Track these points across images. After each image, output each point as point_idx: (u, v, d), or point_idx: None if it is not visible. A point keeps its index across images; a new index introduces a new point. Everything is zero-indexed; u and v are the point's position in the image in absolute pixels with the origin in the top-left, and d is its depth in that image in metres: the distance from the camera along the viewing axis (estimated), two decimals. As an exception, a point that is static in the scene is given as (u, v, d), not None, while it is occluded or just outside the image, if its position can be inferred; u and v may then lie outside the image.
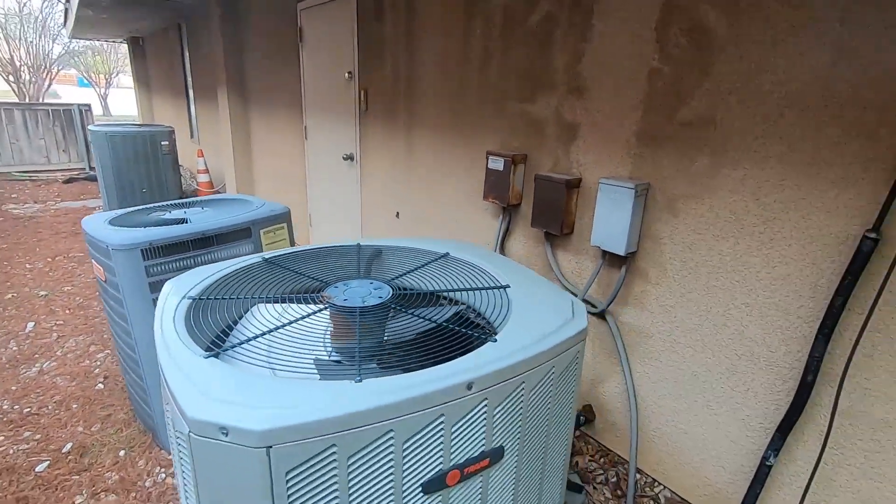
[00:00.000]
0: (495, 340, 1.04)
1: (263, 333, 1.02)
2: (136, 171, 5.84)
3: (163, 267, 1.92)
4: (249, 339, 1.00)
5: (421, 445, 0.89)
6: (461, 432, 0.94)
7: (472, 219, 2.72)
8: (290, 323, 1.07)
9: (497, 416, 0.99)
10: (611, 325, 2.06)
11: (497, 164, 2.35)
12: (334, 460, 0.82)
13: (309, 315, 1.11)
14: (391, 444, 0.86)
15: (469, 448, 0.96)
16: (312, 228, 4.66)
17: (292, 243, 2.36)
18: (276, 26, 4.55)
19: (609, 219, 1.91)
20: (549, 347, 1.04)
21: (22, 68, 19.79)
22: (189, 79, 7.89)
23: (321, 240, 4.46)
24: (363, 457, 0.84)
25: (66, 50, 22.89)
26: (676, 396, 1.90)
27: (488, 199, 2.45)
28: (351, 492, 0.85)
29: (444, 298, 1.36)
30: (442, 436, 0.91)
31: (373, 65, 3.30)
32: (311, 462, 0.80)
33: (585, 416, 2.25)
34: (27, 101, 19.13)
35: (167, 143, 6.00)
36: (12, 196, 6.87)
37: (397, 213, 3.36)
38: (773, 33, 1.46)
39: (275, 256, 1.39)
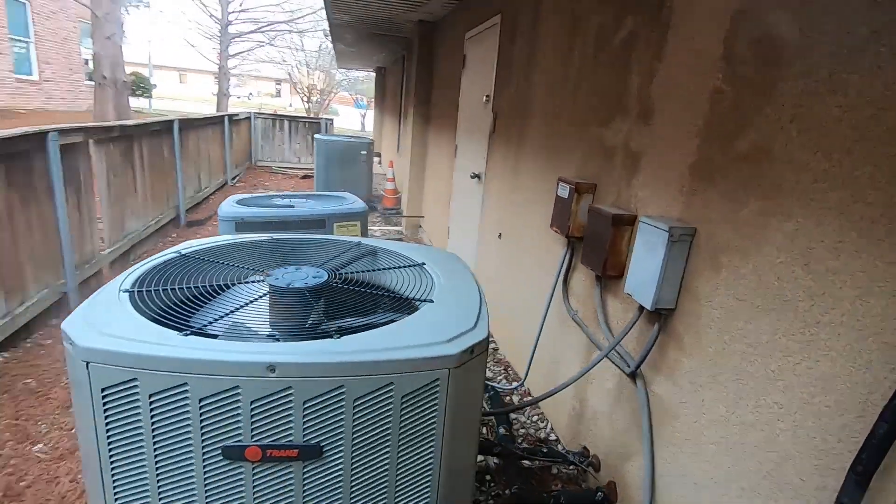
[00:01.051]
0: (336, 337, 1.04)
1: (232, 311, 1.22)
2: (338, 172, 7.05)
3: (248, 239, 2.36)
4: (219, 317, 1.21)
5: (217, 408, 0.96)
6: (261, 412, 0.97)
7: (548, 247, 2.56)
8: (248, 304, 1.26)
9: (309, 410, 0.98)
10: (639, 393, 1.72)
11: (564, 191, 2.19)
12: (136, 393, 0.95)
13: (257, 297, 1.28)
14: (186, 397, 0.95)
15: (273, 432, 0.98)
16: (449, 241, 4.93)
17: (364, 240, 2.60)
18: (452, 57, 5.00)
19: (642, 264, 1.62)
20: (387, 360, 0.99)
21: (314, 91, 25.64)
22: (402, 102, 9.17)
23: (452, 250, 4.69)
24: (162, 399, 0.95)
25: (346, 77, 28.83)
26: (693, 501, 1.48)
27: (553, 227, 2.29)
28: (155, 427, 0.97)
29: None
30: (239, 408, 0.96)
31: (503, 88, 3.38)
32: (120, 388, 0.95)
33: (606, 495, 1.90)
34: (311, 116, 24.77)
35: (365, 152, 7.10)
36: (264, 183, 9.02)
37: (500, 234, 3.35)
38: (849, 40, 1.07)
39: (193, 251, 1.58)
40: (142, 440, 0.98)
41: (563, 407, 2.37)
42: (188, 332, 1.00)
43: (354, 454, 1.03)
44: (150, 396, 0.95)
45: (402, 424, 1.04)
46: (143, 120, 5.24)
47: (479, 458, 2.24)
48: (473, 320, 1.17)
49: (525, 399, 2.71)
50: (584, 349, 2.19)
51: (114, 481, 1.01)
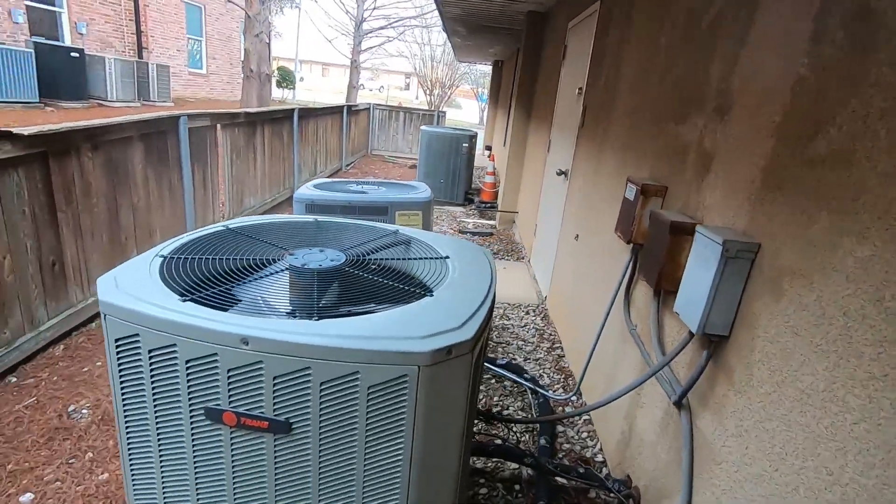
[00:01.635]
0: (312, 318, 1.05)
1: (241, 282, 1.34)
2: (441, 163, 7.20)
3: (316, 220, 2.51)
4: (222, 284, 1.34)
5: (200, 372, 1.03)
6: (238, 379, 1.02)
7: (615, 253, 2.35)
8: (259, 278, 1.36)
9: (279, 386, 1.01)
10: (683, 426, 1.51)
11: (630, 192, 1.99)
12: (139, 347, 1.06)
13: (270, 273, 1.37)
14: (175, 357, 1.04)
15: (247, 401, 1.03)
16: (535, 240, 4.78)
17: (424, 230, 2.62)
18: (555, 48, 4.80)
19: (693, 281, 1.41)
20: (352, 348, 0.98)
21: (436, 85, 26.41)
22: (511, 95, 9.04)
23: (538, 251, 4.55)
24: (159, 356, 1.05)
25: (469, 70, 29.22)
26: (722, 564, 1.26)
27: (617, 232, 2.09)
28: (154, 380, 1.08)
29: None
30: (217, 373, 1.03)
31: (594, 80, 3.16)
32: (127, 340, 1.07)
33: (639, 532, 1.71)
34: (428, 108, 25.55)
35: (467, 145, 7.14)
36: (375, 171, 9.53)
37: (577, 235, 3.16)
38: (966, 11, 0.81)
39: (239, 227, 1.67)
40: (143, 391, 1.09)
41: (614, 428, 2.17)
42: (186, 299, 1.09)
43: (322, 436, 1.05)
44: (150, 352, 1.06)
45: (370, 415, 1.03)
46: (266, 108, 5.82)
47: (514, 466, 2.15)
48: (462, 320, 1.11)
49: (577, 423, 2.54)
50: (640, 368, 1.99)
51: (126, 428, 1.14)
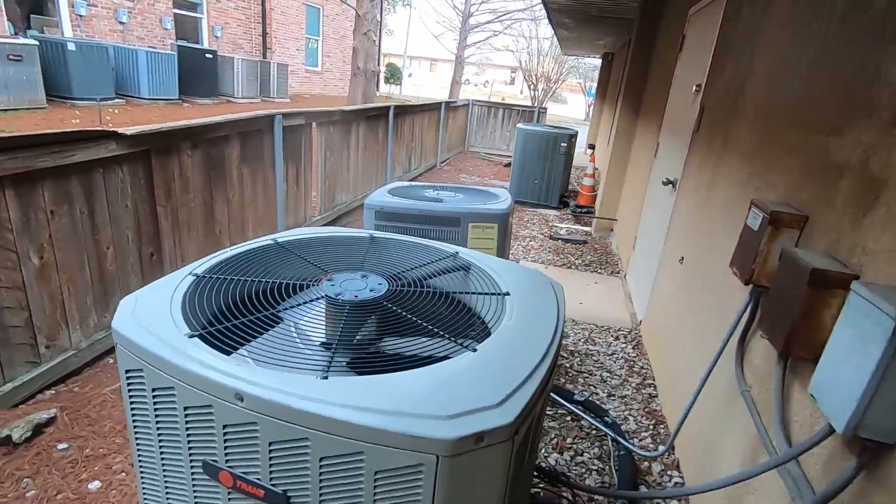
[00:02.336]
0: (323, 373, 0.87)
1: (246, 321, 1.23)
2: (536, 164, 6.85)
3: (385, 227, 2.38)
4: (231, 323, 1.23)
5: (198, 421, 0.91)
6: (233, 438, 0.88)
7: (730, 289, 1.93)
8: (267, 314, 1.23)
9: (275, 454, 0.86)
10: (809, 548, 1.12)
11: (755, 220, 1.57)
12: (143, 382, 0.97)
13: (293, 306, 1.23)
14: (174, 402, 0.92)
15: (244, 463, 0.89)
16: (633, 254, 4.29)
17: (500, 247, 2.38)
18: (670, 38, 4.24)
19: (841, 356, 1.02)
20: (356, 423, 0.79)
21: (540, 79, 25.63)
22: (620, 90, 8.34)
23: (635, 267, 4.09)
24: (161, 395, 0.95)
25: (577, 64, 27.98)
26: None
27: (732, 266, 1.68)
28: (158, 420, 0.98)
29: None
30: (213, 427, 0.89)
31: (717, 76, 2.67)
32: (133, 374, 0.98)
33: None
34: (529, 104, 24.83)
35: (565, 144, 6.70)
36: (469, 169, 9.38)
37: (681, 258, 2.71)
38: None
39: (287, 241, 1.52)
40: (150, 426, 1.00)
41: (711, 505, 1.78)
42: (194, 334, 0.97)
43: (324, 518, 0.87)
44: (153, 390, 0.96)
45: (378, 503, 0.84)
46: (362, 106, 5.91)
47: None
48: (503, 394, 0.87)
49: (667, 486, 2.14)
50: (750, 441, 1.58)
51: (139, 458, 1.07)
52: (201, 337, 0.98)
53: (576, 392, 2.57)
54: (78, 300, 2.52)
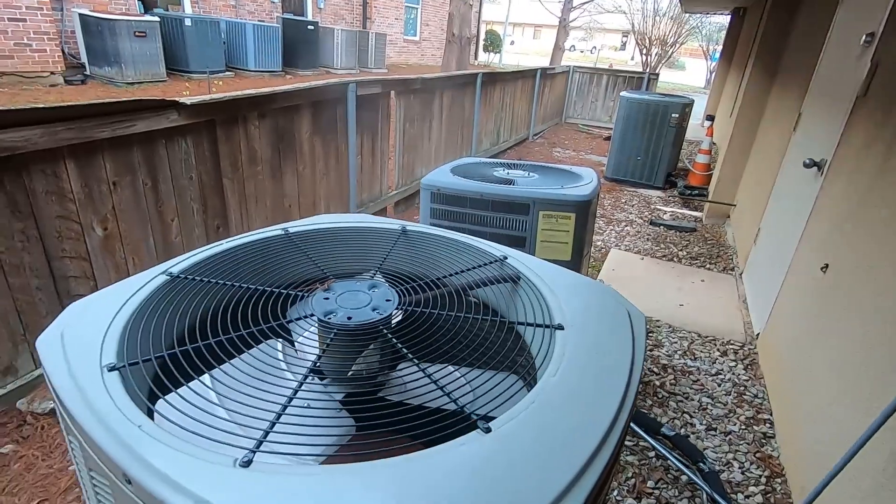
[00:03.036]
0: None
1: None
2: (638, 138, 6.07)
3: (442, 212, 2.06)
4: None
5: (101, 488, 0.68)
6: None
7: (905, 325, 1.35)
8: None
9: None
10: None
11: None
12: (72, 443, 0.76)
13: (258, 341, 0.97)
14: (76, 454, 0.70)
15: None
16: (754, 250, 3.55)
17: (578, 241, 1.95)
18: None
19: None
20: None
21: (654, 43, 23.19)
22: (751, 51, 7.07)
23: (756, 266, 3.39)
24: (71, 441, 0.73)
25: (700, 23, 24.91)
26: None
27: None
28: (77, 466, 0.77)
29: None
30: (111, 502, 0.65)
31: (904, 18, 1.94)
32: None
33: None
34: (648, 70, 22.57)
35: (677, 115, 5.83)
36: (564, 142, 8.67)
37: (825, 265, 2.07)
38: None
39: (298, 232, 1.22)
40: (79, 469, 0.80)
41: None
42: (116, 367, 0.73)
43: None
44: (66, 433, 0.75)
45: None
46: (447, 74, 5.55)
47: None
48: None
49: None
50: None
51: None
52: (126, 370, 0.74)
53: (664, 424, 2.10)
54: (143, 270, 2.54)
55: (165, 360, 0.80)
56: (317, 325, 0.91)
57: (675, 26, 22.94)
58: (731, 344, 2.82)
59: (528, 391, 0.76)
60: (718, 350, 2.76)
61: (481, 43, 23.80)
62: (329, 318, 0.90)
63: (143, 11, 9.86)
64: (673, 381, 2.46)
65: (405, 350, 0.84)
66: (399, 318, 1.00)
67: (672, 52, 23.98)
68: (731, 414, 2.27)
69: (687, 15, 22.25)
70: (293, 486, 0.56)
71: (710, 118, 8.78)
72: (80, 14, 8.30)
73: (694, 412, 2.27)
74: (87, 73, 8.55)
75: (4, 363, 2.06)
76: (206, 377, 0.80)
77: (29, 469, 1.79)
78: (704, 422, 2.21)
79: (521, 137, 8.19)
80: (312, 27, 11.96)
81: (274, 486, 0.56)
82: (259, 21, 11.54)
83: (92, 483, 0.70)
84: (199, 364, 0.79)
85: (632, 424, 2.00)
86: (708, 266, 3.94)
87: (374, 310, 0.93)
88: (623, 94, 6.20)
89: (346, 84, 3.61)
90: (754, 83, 4.66)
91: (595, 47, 42.18)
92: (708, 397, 2.37)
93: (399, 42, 16.93)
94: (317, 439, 0.75)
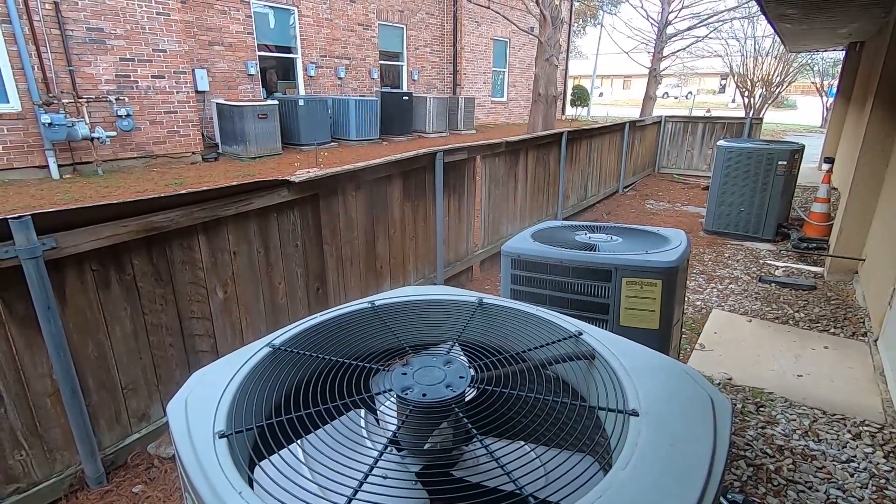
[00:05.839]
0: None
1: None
2: (740, 188, 5.71)
3: (522, 278, 2.09)
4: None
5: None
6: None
7: None
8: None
9: None
10: None
11: None
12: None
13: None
14: (193, 513, 0.81)
15: None
16: (892, 310, 3.10)
17: (666, 311, 1.86)
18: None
19: None
20: None
21: (757, 84, 21.89)
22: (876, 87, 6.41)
23: (894, 326, 2.97)
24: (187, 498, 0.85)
25: (811, 59, 23.20)
26: None
27: None
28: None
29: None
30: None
31: None
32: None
33: None
34: (752, 113, 21.21)
35: (784, 162, 5.42)
36: (657, 193, 8.34)
37: (979, 337, 1.76)
38: None
39: (383, 305, 1.30)
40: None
41: None
42: (225, 434, 0.85)
43: None
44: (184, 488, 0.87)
45: None
46: (531, 135, 5.69)
47: None
48: None
49: None
50: None
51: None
52: (233, 437, 0.86)
53: (780, 516, 1.85)
54: (253, 329, 2.83)
55: (264, 428, 0.91)
56: (395, 399, 0.98)
57: (780, 65, 21.57)
58: (866, 425, 2.44)
59: (604, 475, 0.75)
60: (849, 432, 2.39)
61: (568, 98, 24.12)
62: (406, 394, 0.96)
63: (265, 97, 11.43)
64: (791, 467, 2.17)
65: (474, 430, 0.87)
66: (472, 395, 1.04)
67: (779, 92, 22.41)
68: (871, 512, 1.93)
69: (793, 54, 20.89)
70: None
71: (829, 160, 7.99)
72: (217, 103, 9.83)
73: (820, 506, 1.97)
74: (220, 151, 9.99)
75: (141, 410, 2.38)
76: (295, 446, 0.89)
77: (152, 510, 2.02)
78: (834, 519, 1.90)
79: (611, 191, 8.03)
80: (407, 97, 12.99)
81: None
82: (360, 96, 12.80)
83: (200, 539, 0.80)
84: (290, 434, 0.89)
85: (740, 515, 1.78)
86: (832, 330, 3.49)
87: (447, 387, 0.98)
88: (720, 142, 5.90)
89: (434, 153, 3.86)
90: (878, 121, 4.22)
91: (690, 92, 40.75)
92: (838, 489, 2.04)
93: (487, 104, 17.73)
94: (393, 512, 0.80)
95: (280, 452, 0.86)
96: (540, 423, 0.94)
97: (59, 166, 7.85)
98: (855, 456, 2.23)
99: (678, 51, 19.34)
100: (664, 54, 18.55)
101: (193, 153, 9.49)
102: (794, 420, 2.48)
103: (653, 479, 0.73)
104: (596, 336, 1.16)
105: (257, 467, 0.82)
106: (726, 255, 5.15)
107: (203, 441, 0.84)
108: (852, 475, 2.12)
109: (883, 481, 2.08)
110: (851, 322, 3.60)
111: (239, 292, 2.70)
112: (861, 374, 2.91)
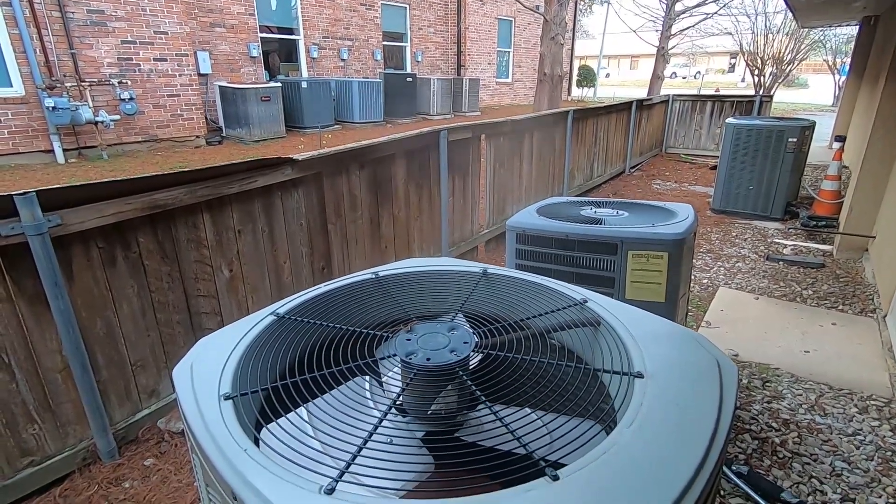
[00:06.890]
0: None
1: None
2: (749, 166, 5.63)
3: (528, 253, 2.08)
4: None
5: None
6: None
7: None
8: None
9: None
10: None
11: None
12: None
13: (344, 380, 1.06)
14: (198, 472, 0.82)
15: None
16: (901, 286, 3.07)
17: (672, 284, 1.85)
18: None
19: None
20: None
21: (767, 62, 21.43)
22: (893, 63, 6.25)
23: None
24: (195, 460, 0.86)
25: (822, 37, 22.67)
26: None
27: None
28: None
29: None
30: (223, 518, 0.75)
31: None
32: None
33: None
34: (762, 92, 20.79)
35: (794, 140, 5.32)
36: (664, 174, 8.25)
37: None
38: None
39: (387, 276, 1.29)
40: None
41: None
42: (230, 396, 0.85)
43: None
44: (192, 451, 0.88)
45: None
46: (536, 114, 5.62)
47: None
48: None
49: None
50: None
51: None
52: (238, 400, 0.86)
53: (786, 489, 1.85)
54: (259, 307, 2.84)
55: (269, 392, 0.91)
56: (399, 364, 0.98)
57: (791, 42, 21.09)
58: (874, 399, 2.43)
59: (606, 436, 0.75)
60: (856, 406, 2.39)
61: (574, 78, 23.76)
62: (410, 359, 0.96)
63: (268, 79, 11.33)
64: (797, 440, 2.17)
65: (479, 392, 0.87)
66: (477, 360, 1.04)
67: (790, 70, 21.94)
68: (875, 483, 1.94)
69: (805, 30, 20.41)
70: (368, 516, 0.62)
71: (840, 139, 7.86)
72: (219, 86, 9.76)
73: (825, 478, 1.97)
74: (223, 134, 9.95)
75: (151, 387, 2.41)
76: (302, 409, 0.90)
77: (164, 482, 2.06)
78: (839, 490, 1.91)
79: (617, 171, 7.95)
80: (411, 79, 12.83)
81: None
82: (364, 78, 12.66)
83: (209, 497, 0.81)
84: (296, 397, 0.89)
85: (745, 487, 1.80)
86: (841, 307, 3.46)
87: (451, 352, 0.98)
88: (729, 120, 5.80)
89: (438, 132, 3.82)
90: (891, 98, 4.13)
91: (699, 72, 39.99)
92: (843, 461, 2.05)
93: (492, 85, 17.50)
94: (397, 473, 0.80)
95: (287, 416, 0.86)
96: (543, 386, 0.94)
97: (65, 150, 7.86)
98: (861, 429, 2.23)
99: (687, 28, 18.92)
100: (672, 32, 18.17)
101: (197, 137, 9.46)
102: (801, 395, 2.48)
103: (656, 437, 0.73)
104: (601, 303, 1.15)
105: (263, 429, 0.83)
106: (734, 234, 5.11)
107: (209, 404, 0.84)
108: (858, 448, 2.12)
109: (889, 453, 2.08)
110: (860, 299, 3.57)
111: (244, 271, 2.71)
112: (869, 350, 2.89)
